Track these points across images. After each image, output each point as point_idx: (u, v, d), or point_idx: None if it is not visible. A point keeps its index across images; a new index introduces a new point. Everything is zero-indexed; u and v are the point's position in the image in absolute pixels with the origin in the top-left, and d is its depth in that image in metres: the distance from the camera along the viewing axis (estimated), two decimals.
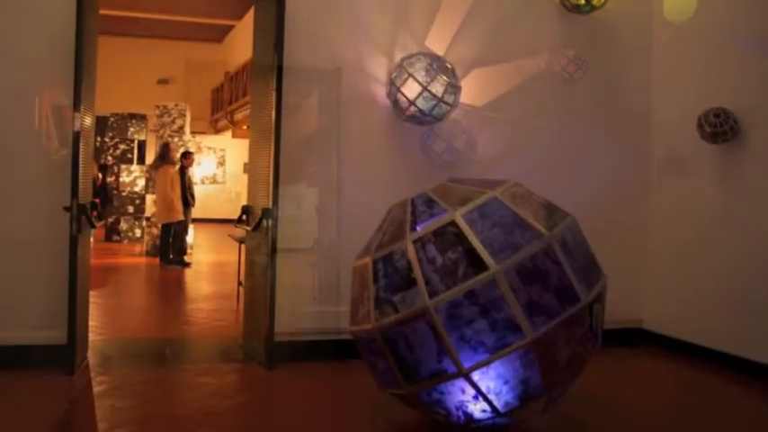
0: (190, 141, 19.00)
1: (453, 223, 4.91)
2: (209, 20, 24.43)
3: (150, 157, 19.78)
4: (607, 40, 8.80)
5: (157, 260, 16.51)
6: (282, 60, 7.29)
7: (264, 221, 7.36)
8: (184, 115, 18.68)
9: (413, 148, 8.04)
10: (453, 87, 7.63)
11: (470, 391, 4.82)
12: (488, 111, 8.30)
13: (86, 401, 6.24)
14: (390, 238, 5.15)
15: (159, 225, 16.62)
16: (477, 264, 4.75)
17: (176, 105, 18.73)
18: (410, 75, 7.51)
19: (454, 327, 4.71)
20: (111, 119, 20.94)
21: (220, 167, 20.56)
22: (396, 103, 7.70)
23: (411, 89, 7.52)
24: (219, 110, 26.21)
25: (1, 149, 6.98)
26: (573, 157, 8.58)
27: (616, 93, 8.86)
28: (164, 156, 16.46)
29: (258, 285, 7.67)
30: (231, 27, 25.73)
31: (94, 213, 7.39)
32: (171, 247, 16.20)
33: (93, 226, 7.40)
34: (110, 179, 21.49)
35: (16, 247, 7.04)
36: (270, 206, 7.29)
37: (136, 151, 20.93)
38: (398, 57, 7.90)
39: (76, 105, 6.78)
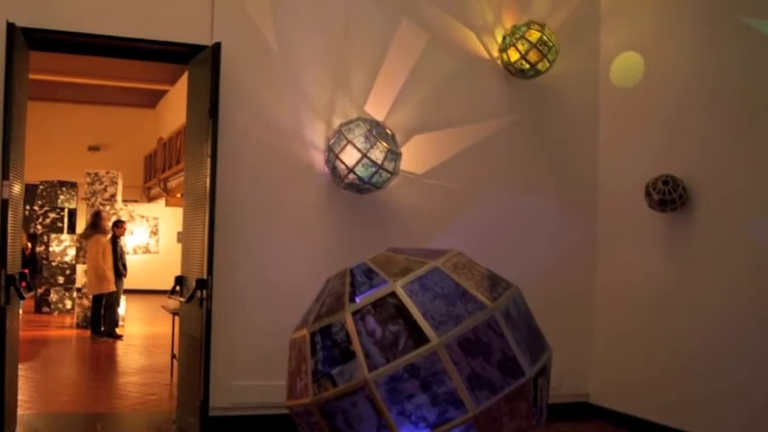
0: (122, 210, 18.75)
1: (393, 294, 4.79)
2: (142, 84, 24.19)
3: (81, 226, 19.46)
4: (553, 105, 8.80)
5: (88, 332, 16.14)
6: (217, 126, 7.18)
7: (199, 292, 7.18)
8: (116, 183, 18.46)
9: (352, 216, 7.94)
10: (394, 154, 7.56)
11: None
12: (430, 178, 8.24)
13: None
14: (328, 309, 5.01)
15: (90, 296, 16.30)
16: (417, 336, 4.62)
17: (108, 173, 18.51)
18: (349, 141, 7.43)
19: (394, 401, 4.56)
20: (41, 186, 20.54)
21: (153, 237, 20.24)
22: (334, 170, 7.60)
23: (350, 156, 7.43)
24: (152, 177, 25.96)
25: None
26: (517, 226, 8.53)
27: (562, 159, 8.86)
28: (95, 225, 16.24)
29: (192, 358, 7.45)
30: (164, 92, 25.52)
31: (23, 284, 7.14)
32: (102, 318, 15.87)
33: (21, 297, 7.17)
34: (39, 249, 21.06)
35: None
36: (204, 276, 7.12)
37: (66, 220, 20.51)
38: (337, 122, 7.82)
39: (4, 173, 6.58)
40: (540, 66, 8.23)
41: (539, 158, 8.72)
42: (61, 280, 20.30)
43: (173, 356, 10.74)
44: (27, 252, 20.09)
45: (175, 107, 21.67)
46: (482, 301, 4.77)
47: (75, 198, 20.81)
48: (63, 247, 20.14)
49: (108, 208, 17.95)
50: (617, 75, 8.58)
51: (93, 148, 28.00)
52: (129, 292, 18.41)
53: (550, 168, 8.78)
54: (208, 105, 7.21)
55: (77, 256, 19.35)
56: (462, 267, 5.06)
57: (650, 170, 7.77)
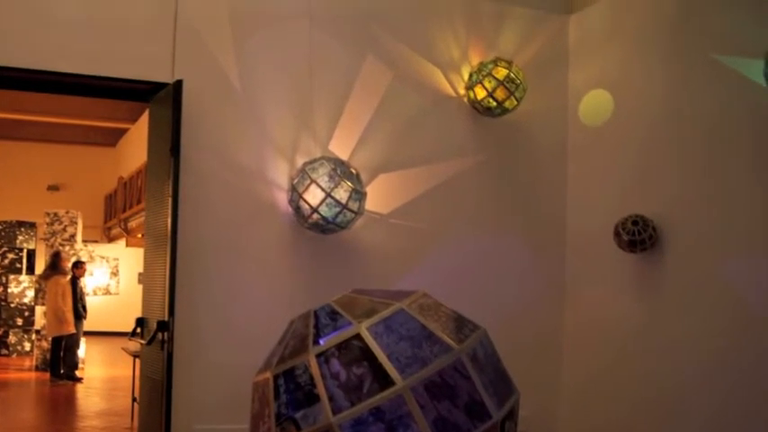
0: (82, 250, 18.62)
1: (358, 337, 4.70)
2: (102, 123, 24.02)
3: (40, 267, 19.28)
4: (520, 143, 8.75)
5: (48, 375, 15.98)
6: (179, 165, 7.08)
7: (160, 334, 7.06)
8: (76, 223, 18.33)
9: (316, 256, 7.85)
10: (358, 194, 7.48)
11: None
12: (395, 218, 8.17)
13: None
14: (292, 351, 4.92)
15: (50, 338, 16.14)
16: (383, 379, 4.53)
17: (67, 213, 18.38)
18: (313, 180, 7.35)
19: None
20: None
21: (114, 278, 20.15)
22: (298, 210, 7.51)
23: (314, 195, 7.34)
24: (113, 217, 25.79)
25: None
26: (484, 266, 8.46)
27: (530, 198, 8.80)
28: (54, 265, 16.14)
29: (153, 401, 7.31)
30: (125, 130, 25.37)
31: None
32: (62, 361, 15.69)
33: None
34: None
35: None
36: (166, 318, 6.99)
37: (25, 261, 20.33)
38: (300, 161, 7.74)
39: None
40: (507, 104, 8.18)
41: (506, 198, 8.68)
42: (20, 322, 20.09)
43: (133, 400, 10.59)
44: None
45: (136, 146, 21.57)
46: (448, 343, 4.70)
47: (34, 238, 20.66)
48: (22, 288, 19.95)
49: (67, 248, 17.81)
50: (585, 113, 8.56)
51: (53, 188, 27.77)
52: (89, 333, 18.24)
53: (518, 208, 8.73)
54: (169, 144, 7.11)
55: (36, 297, 19.16)
56: (428, 309, 4.99)
57: (619, 210, 7.71)
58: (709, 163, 7.16)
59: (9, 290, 19.90)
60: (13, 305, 19.91)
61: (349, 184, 7.40)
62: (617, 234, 7.55)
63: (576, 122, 8.73)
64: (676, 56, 7.63)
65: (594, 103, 8.44)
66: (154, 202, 7.66)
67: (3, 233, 20.31)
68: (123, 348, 12.26)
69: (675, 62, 7.64)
